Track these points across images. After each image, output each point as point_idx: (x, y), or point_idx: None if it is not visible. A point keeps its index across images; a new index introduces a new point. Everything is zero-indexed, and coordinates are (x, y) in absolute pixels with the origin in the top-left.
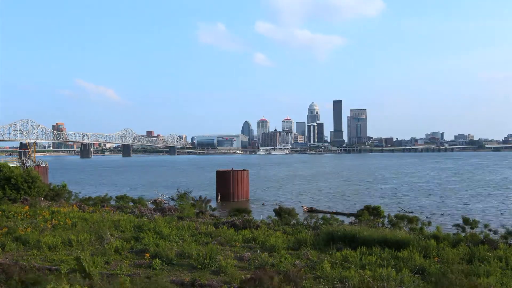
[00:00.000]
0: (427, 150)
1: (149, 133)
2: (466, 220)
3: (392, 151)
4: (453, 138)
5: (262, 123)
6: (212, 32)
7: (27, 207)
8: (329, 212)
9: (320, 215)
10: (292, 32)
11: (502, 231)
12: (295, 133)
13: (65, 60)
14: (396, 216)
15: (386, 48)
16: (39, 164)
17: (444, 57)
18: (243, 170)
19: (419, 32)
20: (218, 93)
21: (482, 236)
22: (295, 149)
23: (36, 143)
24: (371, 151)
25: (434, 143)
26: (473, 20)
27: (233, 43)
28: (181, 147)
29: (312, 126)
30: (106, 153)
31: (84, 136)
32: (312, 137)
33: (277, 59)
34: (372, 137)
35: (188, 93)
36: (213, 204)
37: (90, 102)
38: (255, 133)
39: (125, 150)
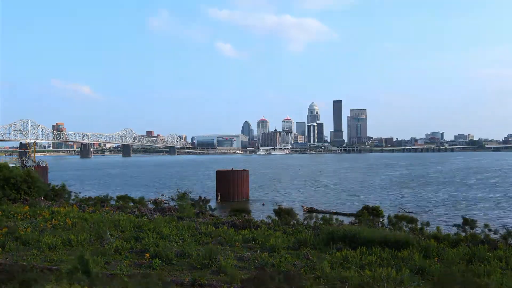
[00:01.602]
0: (427, 150)
1: (149, 133)
2: (465, 220)
3: (392, 151)
4: (453, 138)
5: (262, 123)
6: (161, 20)
7: (27, 207)
8: (329, 212)
9: (320, 215)
10: (256, 18)
11: (502, 231)
12: (295, 133)
13: (36, 58)
14: (395, 216)
15: (379, 44)
16: (39, 164)
17: (443, 55)
18: (243, 170)
19: (415, 28)
20: (206, 92)
21: (482, 236)
22: (295, 149)
23: (36, 143)
24: (371, 151)
25: (434, 143)
26: (473, 17)
27: (193, 31)
28: (181, 147)
29: (312, 126)
30: (106, 153)
31: (84, 136)
32: (312, 137)
33: (244, 49)
34: (372, 137)
35: (177, 92)
36: (213, 204)
37: (61, 99)
38: (255, 133)
39: (125, 150)
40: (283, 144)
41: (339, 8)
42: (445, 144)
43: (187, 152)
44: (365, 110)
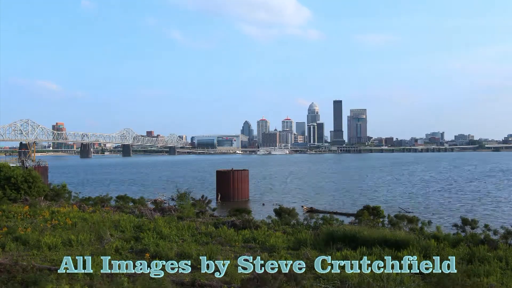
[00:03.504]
0: (427, 150)
1: (149, 133)
2: (465, 221)
3: (392, 151)
4: (453, 138)
5: (262, 123)
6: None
7: (27, 207)
8: (329, 212)
9: (320, 215)
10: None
11: (502, 231)
12: (295, 133)
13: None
14: (396, 216)
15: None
16: (39, 164)
17: (443, 55)
18: (243, 170)
19: (413, 25)
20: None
21: (482, 236)
22: (295, 149)
23: (36, 143)
24: (371, 151)
25: (434, 143)
26: (472, 17)
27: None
28: (181, 147)
29: (312, 126)
30: (106, 153)
31: (84, 136)
32: (312, 137)
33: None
34: (372, 137)
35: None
36: (213, 204)
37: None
38: (255, 133)
39: (125, 150)
40: (283, 144)
41: None
42: (445, 144)
43: (187, 152)
44: (365, 110)
